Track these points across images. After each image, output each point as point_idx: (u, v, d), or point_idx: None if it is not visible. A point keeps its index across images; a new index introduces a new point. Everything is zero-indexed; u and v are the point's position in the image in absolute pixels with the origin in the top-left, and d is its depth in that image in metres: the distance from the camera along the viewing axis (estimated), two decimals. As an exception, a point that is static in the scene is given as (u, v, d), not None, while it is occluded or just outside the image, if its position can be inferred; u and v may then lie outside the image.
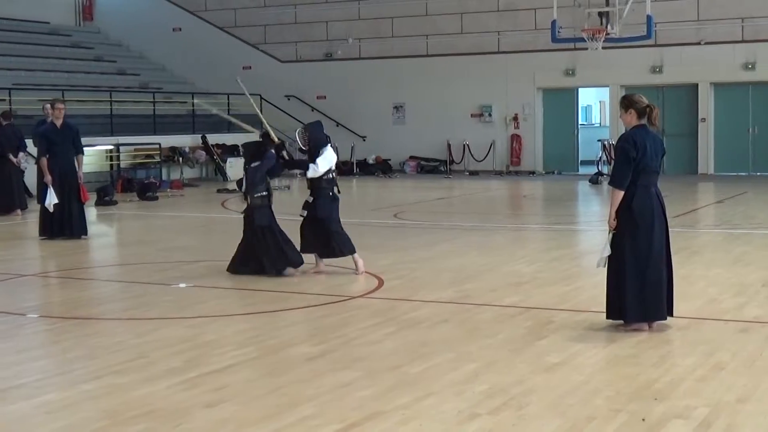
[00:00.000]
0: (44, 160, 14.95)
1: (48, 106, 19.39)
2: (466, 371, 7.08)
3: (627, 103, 8.22)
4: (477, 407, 6.21)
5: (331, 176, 11.34)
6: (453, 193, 23.77)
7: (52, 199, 14.72)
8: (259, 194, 11.46)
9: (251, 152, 11.60)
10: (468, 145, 29.54)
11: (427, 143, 30.25)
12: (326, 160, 11.19)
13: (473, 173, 29.22)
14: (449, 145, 29.85)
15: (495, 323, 8.76)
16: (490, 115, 29.78)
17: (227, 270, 11.46)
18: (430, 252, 13.32)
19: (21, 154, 19.34)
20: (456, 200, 22.26)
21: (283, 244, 11.36)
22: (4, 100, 22.09)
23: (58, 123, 15.07)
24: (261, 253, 11.23)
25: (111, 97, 26.47)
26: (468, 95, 29.73)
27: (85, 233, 15.03)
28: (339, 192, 11.60)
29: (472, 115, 29.93)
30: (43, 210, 14.99)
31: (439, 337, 8.25)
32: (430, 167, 30.22)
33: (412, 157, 30.49)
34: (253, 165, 11.49)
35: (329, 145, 11.38)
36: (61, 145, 14.84)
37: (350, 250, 11.49)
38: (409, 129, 30.58)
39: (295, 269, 11.30)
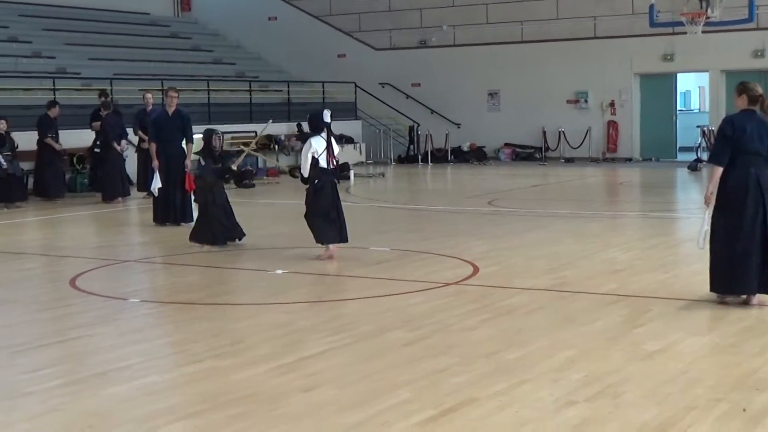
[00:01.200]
0: (153, 146, 15.36)
1: (149, 95, 19.97)
2: (562, 358, 7.03)
3: (741, 88, 8.64)
4: (573, 395, 6.16)
5: (321, 165, 11.59)
6: (548, 180, 23.58)
7: (156, 183, 15.05)
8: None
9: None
10: (563, 131, 29.26)
11: (522, 130, 30.03)
12: (306, 153, 11.60)
13: (569, 160, 28.92)
14: (544, 132, 29.59)
15: (591, 311, 8.68)
16: (586, 101, 29.43)
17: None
18: (524, 239, 13.25)
19: (123, 141, 19.77)
20: (551, 187, 22.08)
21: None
22: (105, 89, 22.57)
23: (170, 111, 15.44)
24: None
25: (208, 86, 26.84)
26: (564, 81, 29.42)
27: (189, 220, 15.30)
28: (338, 180, 11.99)
29: (567, 102, 29.61)
30: (155, 196, 15.41)
31: (535, 324, 8.21)
32: (524, 154, 30.01)
33: (506, 144, 30.31)
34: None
35: (319, 135, 11.61)
36: (169, 132, 15.11)
37: (325, 240, 11.74)
38: (504, 116, 30.39)
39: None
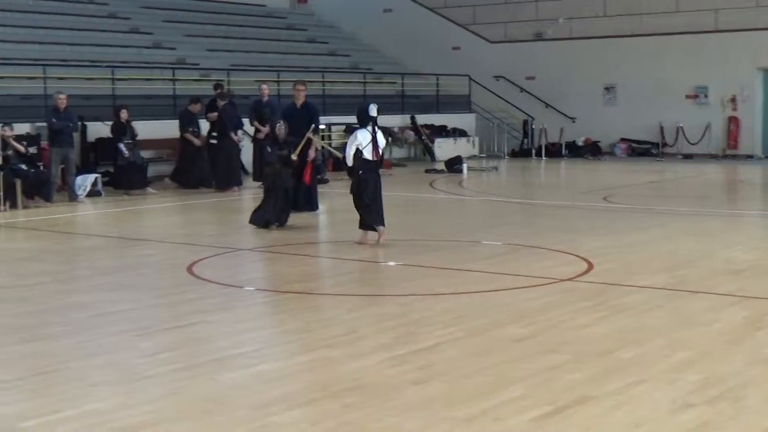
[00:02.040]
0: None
1: (264, 86, 20.24)
2: (679, 359, 6.91)
3: None
4: (691, 396, 6.05)
5: (364, 156, 12.13)
6: (665, 177, 23.16)
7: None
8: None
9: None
10: (682, 127, 28.66)
11: (639, 125, 29.51)
12: (351, 144, 12.21)
13: (687, 156, 28.33)
14: (662, 128, 29.04)
15: (710, 311, 8.50)
16: (705, 96, 28.77)
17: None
18: (641, 236, 13.04)
19: (239, 132, 20.08)
20: (668, 184, 21.67)
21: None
22: (222, 80, 22.95)
23: (298, 103, 15.71)
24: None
25: (323, 78, 27.07)
26: (683, 76, 28.81)
27: (313, 209, 15.57)
28: (363, 173, 12.26)
29: (686, 97, 28.99)
30: None
31: (651, 323, 8.07)
32: (641, 150, 29.50)
33: (622, 140, 29.83)
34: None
35: (365, 128, 12.13)
36: (298, 124, 15.30)
37: (373, 224, 12.29)
38: (621, 110, 29.92)
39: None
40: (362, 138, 12.09)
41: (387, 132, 12.34)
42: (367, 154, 12.13)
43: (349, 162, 12.31)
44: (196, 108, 20.33)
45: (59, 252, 12.35)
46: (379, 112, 12.33)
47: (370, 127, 12.09)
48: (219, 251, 12.10)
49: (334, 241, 12.98)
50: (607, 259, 11.19)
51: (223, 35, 29.62)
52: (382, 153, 12.42)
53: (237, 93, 23.66)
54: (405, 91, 29.91)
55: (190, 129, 20.21)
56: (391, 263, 11.03)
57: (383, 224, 12.40)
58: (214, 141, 20.13)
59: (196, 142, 20.13)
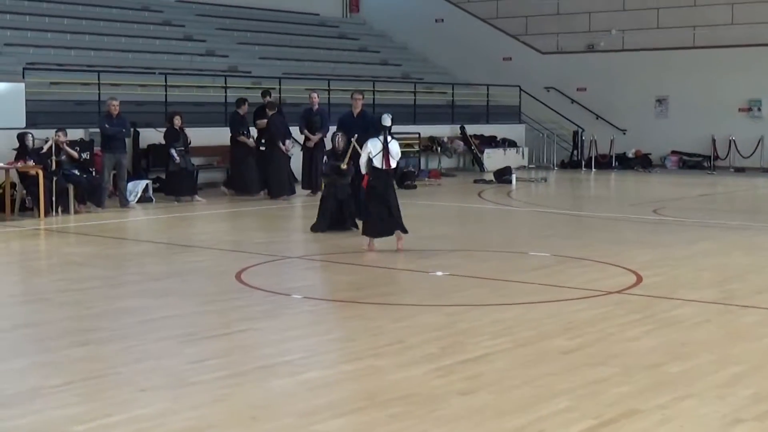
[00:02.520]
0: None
1: (314, 95, 20.33)
2: (729, 374, 6.83)
3: None
4: (741, 412, 5.97)
5: (374, 164, 12.53)
6: (716, 190, 22.92)
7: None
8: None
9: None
10: (734, 140, 28.36)
11: (690, 138, 29.23)
12: (363, 153, 12.71)
13: (739, 170, 28.01)
14: (714, 141, 28.74)
15: (760, 326, 8.40)
16: (759, 109, 28.43)
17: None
18: (690, 250, 12.92)
19: (288, 141, 20.12)
20: (720, 197, 21.45)
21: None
22: (274, 88, 23.05)
23: (355, 112, 15.83)
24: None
25: (374, 87, 27.12)
26: (736, 88, 28.51)
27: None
28: (374, 180, 12.62)
29: (739, 110, 28.68)
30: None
31: (701, 337, 7.99)
32: (692, 162, 29.21)
33: (673, 152, 29.56)
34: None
35: (377, 137, 12.55)
36: (353, 133, 15.34)
37: (368, 234, 12.78)
38: (672, 123, 29.66)
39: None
40: (372, 147, 12.53)
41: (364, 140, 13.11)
42: (377, 162, 12.52)
43: (363, 170, 12.78)
44: (243, 109, 20.40)
45: (109, 257, 12.48)
46: (393, 121, 12.76)
47: (382, 137, 12.50)
48: (267, 259, 12.15)
49: (383, 250, 13.00)
50: (656, 272, 11.10)
51: (275, 43, 29.81)
52: (398, 162, 12.86)
53: (288, 101, 23.79)
54: (455, 101, 29.89)
55: (242, 131, 20.30)
56: (439, 273, 11.02)
57: (387, 233, 12.73)
58: (263, 148, 20.22)
59: (250, 143, 20.18)
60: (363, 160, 12.69)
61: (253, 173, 20.14)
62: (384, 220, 12.71)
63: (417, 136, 26.68)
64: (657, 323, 8.46)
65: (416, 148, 26.67)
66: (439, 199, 20.59)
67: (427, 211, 18.27)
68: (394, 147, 12.65)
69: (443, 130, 28.23)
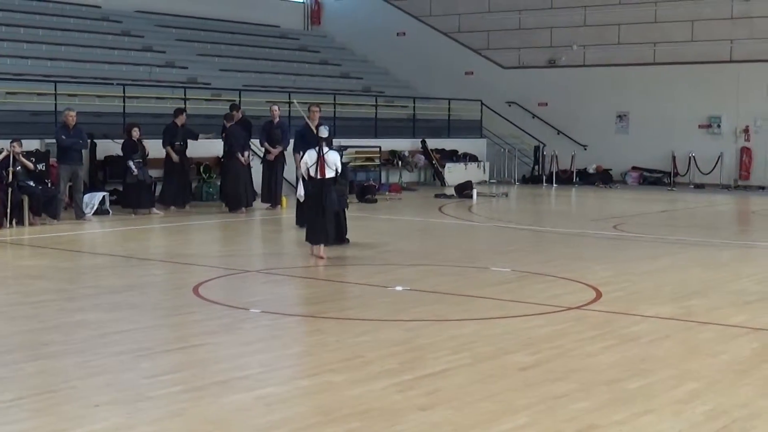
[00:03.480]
0: (297, 156, 15.99)
1: (275, 107, 20.32)
2: (686, 390, 6.89)
3: None
4: (697, 428, 6.03)
5: (311, 174, 13.42)
6: (676, 206, 23.14)
7: (300, 191, 15.29)
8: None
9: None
10: (694, 156, 28.65)
11: (651, 154, 29.52)
12: (302, 163, 13.72)
13: (698, 186, 28.31)
14: (674, 157, 29.03)
15: (719, 342, 8.48)
16: (719, 126, 28.77)
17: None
18: (650, 266, 13.02)
19: (246, 153, 20.03)
20: (679, 213, 21.66)
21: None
22: (233, 100, 23.01)
23: (313, 125, 15.81)
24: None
25: (335, 101, 27.16)
26: (696, 105, 28.84)
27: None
28: (311, 188, 13.53)
29: (699, 126, 29.00)
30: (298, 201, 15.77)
31: (659, 353, 8.06)
32: (652, 179, 29.49)
33: (634, 168, 29.83)
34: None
35: (313, 148, 13.50)
36: (314, 144, 15.36)
37: (309, 240, 13.47)
38: (633, 138, 29.94)
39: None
40: (308, 157, 13.44)
41: (341, 151, 13.94)
42: (312, 171, 13.37)
43: (300, 180, 13.94)
44: (181, 119, 20.17)
45: (65, 270, 12.38)
46: (331, 134, 13.78)
47: (318, 148, 13.34)
48: (225, 272, 12.12)
49: (342, 265, 12.99)
50: (615, 287, 11.17)
51: (235, 55, 29.78)
52: (339, 171, 13.49)
53: (248, 114, 23.78)
54: (416, 114, 30.01)
55: (178, 143, 19.98)
56: (399, 288, 11.03)
57: (323, 242, 13.33)
58: (223, 159, 20.19)
59: (174, 157, 19.91)
60: (302, 171, 13.64)
61: (183, 187, 20.07)
62: (321, 226, 13.35)
63: (378, 149, 26.77)
64: (616, 339, 8.52)
65: (377, 161, 26.74)
66: (400, 213, 20.62)
67: (388, 226, 18.29)
68: (331, 157, 13.39)
69: (404, 144, 28.33)
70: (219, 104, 24.13)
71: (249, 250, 14.87)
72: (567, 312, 9.76)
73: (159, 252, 14.31)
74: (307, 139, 15.61)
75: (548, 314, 9.60)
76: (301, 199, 14.47)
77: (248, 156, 20.17)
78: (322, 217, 13.36)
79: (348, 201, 15.41)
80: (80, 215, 17.85)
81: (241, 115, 20.72)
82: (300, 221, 16.03)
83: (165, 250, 14.52)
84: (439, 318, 9.37)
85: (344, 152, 25.35)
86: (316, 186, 13.41)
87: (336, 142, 25.32)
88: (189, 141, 20.26)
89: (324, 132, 13.55)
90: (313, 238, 13.40)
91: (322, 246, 13.30)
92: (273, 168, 20.18)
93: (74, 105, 19.37)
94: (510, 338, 8.52)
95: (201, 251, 14.41)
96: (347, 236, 14.74)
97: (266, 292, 11.28)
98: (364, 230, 16.73)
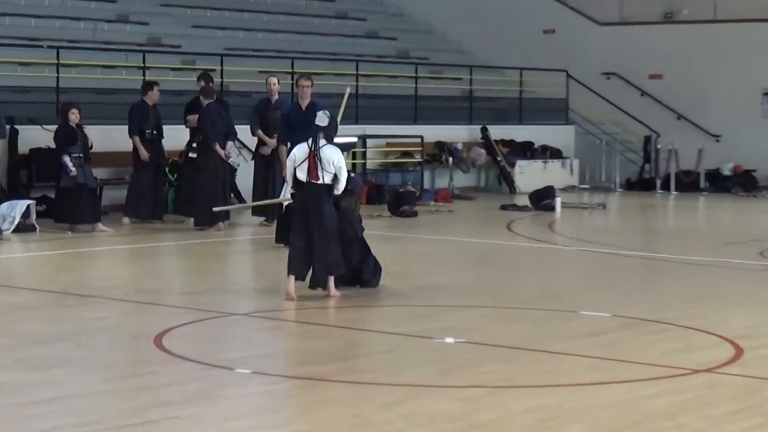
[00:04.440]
0: (283, 150, 15.84)
1: (273, 80, 20.17)
2: None
3: None
4: None
5: (299, 178, 13.16)
6: None
7: (285, 194, 15.29)
8: None
9: None
10: None
11: (814, 148, 29.36)
12: (288, 164, 13.46)
13: None
14: None
15: None
16: None
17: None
18: (813, 310, 12.94)
19: (229, 144, 19.93)
20: None
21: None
22: (213, 69, 22.96)
23: (303, 104, 15.79)
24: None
25: (357, 70, 27.11)
26: None
27: None
28: (297, 199, 13.43)
29: None
30: (280, 214, 15.75)
31: (828, 437, 7.98)
32: (815, 184, 29.34)
33: (789, 169, 29.69)
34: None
35: (305, 141, 13.19)
36: (303, 132, 15.31)
37: (290, 270, 13.12)
38: (787, 126, 29.80)
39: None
40: (297, 153, 13.17)
41: (349, 147, 13.65)
42: (301, 173, 13.06)
43: (288, 184, 13.63)
44: (152, 97, 20.30)
45: (-28, 311, 12.42)
46: (332, 120, 13.22)
47: (311, 140, 13.03)
48: (199, 315, 12.10)
49: (365, 305, 12.96)
50: (763, 342, 11.09)
51: (215, 5, 29.78)
52: (341, 177, 13.02)
53: (232, 89, 23.78)
54: (474, 91, 29.95)
55: (148, 131, 20.14)
56: (448, 340, 10.98)
57: (297, 273, 13.08)
58: (193, 155, 20.09)
59: (142, 154, 20.00)
60: (288, 172, 13.35)
61: (155, 193, 20.10)
62: (301, 253, 13.08)
63: (419, 140, 26.72)
64: (763, 416, 8.44)
65: (418, 158, 26.71)
66: (450, 231, 20.57)
67: (432, 249, 18.25)
68: (328, 153, 12.96)
69: (457, 133, 28.29)
70: (192, 74, 24.13)
71: (232, 285, 14.85)
72: (692, 376, 9.68)
73: (106, 286, 14.31)
74: (295, 126, 15.60)
75: (665, 379, 9.53)
76: (285, 202, 14.52)
77: (232, 149, 20.06)
78: (307, 243, 13.05)
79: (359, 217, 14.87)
80: (-6, 233, 17.92)
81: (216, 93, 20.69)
82: (282, 237, 16.02)
83: (115, 283, 14.52)
84: (506, 383, 9.31)
85: (358, 146, 25.40)
86: (303, 196, 13.21)
87: (357, 130, 25.52)
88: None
89: (323, 118, 13.18)
90: (291, 267, 13.10)
91: (292, 278, 13.00)
92: (270, 166, 20.12)
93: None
94: (611, 413, 8.45)
95: (166, 285, 14.42)
96: (376, 275, 14.05)
97: (257, 344, 11.25)
98: (398, 256, 16.69)
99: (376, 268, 13.88)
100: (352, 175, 15.18)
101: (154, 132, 20.18)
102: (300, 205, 13.24)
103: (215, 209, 16.98)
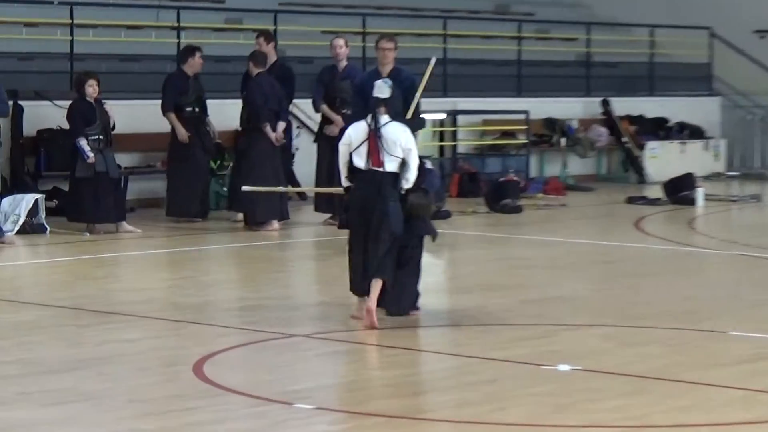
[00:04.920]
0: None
1: (340, 42, 20.17)
2: None
3: None
4: None
5: (357, 165, 12.92)
6: None
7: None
8: None
9: None
10: None
11: None
12: (342, 145, 13.27)
13: None
14: None
15: None
16: None
17: None
18: None
19: (280, 124, 19.93)
20: None
21: None
22: (266, 28, 22.95)
23: (384, 71, 15.76)
24: None
25: (445, 29, 27.10)
26: None
27: None
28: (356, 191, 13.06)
29: None
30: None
31: None
32: None
33: None
34: None
35: (363, 119, 13.02)
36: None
37: (353, 289, 13.02)
38: None
39: None
40: (353, 133, 12.96)
41: (417, 127, 13.14)
42: (359, 159, 12.83)
43: (342, 174, 13.17)
44: (193, 65, 20.46)
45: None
46: (393, 90, 12.87)
47: (370, 117, 12.73)
48: (248, 337, 12.13)
49: (455, 325, 12.94)
50: None
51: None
52: (406, 160, 12.71)
53: (288, 54, 23.81)
54: (593, 55, 29.85)
55: (187, 108, 20.29)
56: (564, 367, 10.94)
57: (366, 292, 12.62)
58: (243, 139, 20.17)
59: (181, 133, 20.19)
60: (342, 159, 13.09)
61: (196, 188, 20.18)
62: (362, 265, 12.84)
63: (523, 117, 26.65)
64: None
65: (522, 139, 26.66)
66: (563, 231, 20.52)
67: (542, 255, 18.21)
68: (395, 133, 12.76)
69: (571, 108, 28.25)
70: (239, 36, 24.20)
71: (290, 299, 14.88)
72: None
73: (134, 300, 14.36)
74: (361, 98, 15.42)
75: None
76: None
77: (282, 131, 20.05)
78: (373, 244, 12.69)
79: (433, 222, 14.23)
80: (-5, 235, 18.06)
81: (275, 57, 20.74)
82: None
83: (145, 298, 14.58)
84: (638, 422, 9.28)
85: (447, 124, 25.39)
86: (361, 188, 12.94)
87: (445, 104, 25.48)
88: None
89: (383, 88, 12.97)
90: (353, 284, 12.99)
91: (371, 297, 12.54)
92: (337, 150, 20.13)
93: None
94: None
95: (208, 299, 14.46)
96: (417, 302, 13.38)
97: (322, 372, 11.28)
98: (498, 262, 16.68)
99: (406, 294, 13.15)
100: (428, 166, 14.73)
101: (195, 109, 20.23)
102: (358, 202, 12.97)
103: (244, 188, 16.73)
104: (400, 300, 12.88)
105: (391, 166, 12.70)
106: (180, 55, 20.64)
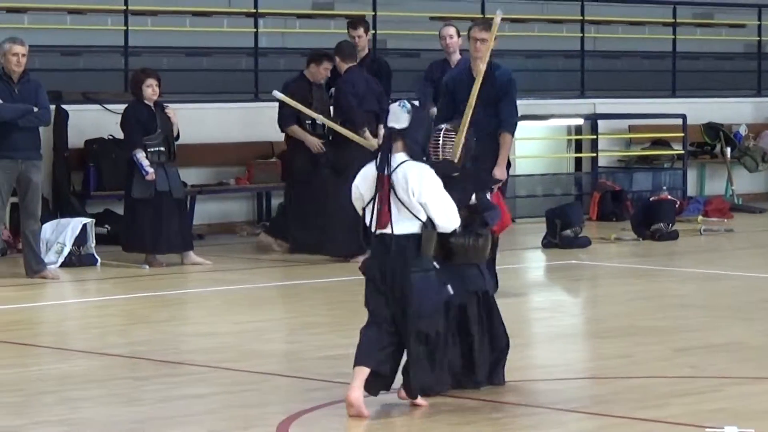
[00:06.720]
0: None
1: (450, 31, 20.23)
2: None
3: None
4: None
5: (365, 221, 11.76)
6: None
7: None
8: None
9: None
10: None
11: None
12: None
13: None
14: None
15: None
16: None
17: None
18: None
19: (382, 129, 20.04)
20: None
21: None
22: (362, 16, 23.06)
23: (476, 67, 15.71)
24: None
25: (582, 14, 27.14)
26: None
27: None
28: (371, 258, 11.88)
29: None
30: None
31: None
32: None
33: None
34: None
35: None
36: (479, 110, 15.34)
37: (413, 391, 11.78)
38: None
39: None
40: (361, 183, 11.74)
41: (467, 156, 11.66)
42: (367, 217, 11.66)
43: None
44: (318, 73, 20.63)
45: (8, 385, 12.67)
46: (413, 117, 11.40)
47: (379, 158, 11.46)
48: (342, 392, 12.20)
49: (599, 378, 13.01)
50: None
51: None
52: (431, 218, 11.41)
53: (390, 47, 23.93)
54: (764, 45, 29.77)
55: (307, 121, 20.38)
56: (731, 429, 10.96)
57: (371, 365, 11.64)
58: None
59: (315, 144, 20.45)
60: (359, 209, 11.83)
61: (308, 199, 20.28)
62: (373, 346, 11.70)
63: (679, 122, 26.61)
64: None
65: (677, 149, 26.63)
66: (729, 263, 20.51)
67: (702, 291, 18.19)
68: (411, 178, 11.34)
69: (738, 111, 28.18)
70: (330, 24, 24.37)
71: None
72: None
73: (204, 348, 14.50)
74: (459, 102, 14.95)
75: None
76: None
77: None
78: (388, 334, 11.52)
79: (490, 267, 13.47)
80: (36, 267, 18.19)
81: (368, 50, 20.84)
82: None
83: (218, 344, 14.71)
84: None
85: (584, 131, 25.43)
86: (376, 253, 11.62)
87: (583, 107, 25.50)
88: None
89: (399, 115, 11.43)
90: (358, 356, 11.69)
91: (357, 371, 11.48)
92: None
93: (21, 35, 19.79)
94: None
95: (297, 345, 14.57)
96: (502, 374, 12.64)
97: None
98: (649, 300, 16.71)
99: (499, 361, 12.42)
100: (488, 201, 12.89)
101: (311, 123, 20.33)
102: (374, 271, 11.64)
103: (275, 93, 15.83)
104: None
105: (404, 227, 11.38)
106: (308, 61, 20.56)
